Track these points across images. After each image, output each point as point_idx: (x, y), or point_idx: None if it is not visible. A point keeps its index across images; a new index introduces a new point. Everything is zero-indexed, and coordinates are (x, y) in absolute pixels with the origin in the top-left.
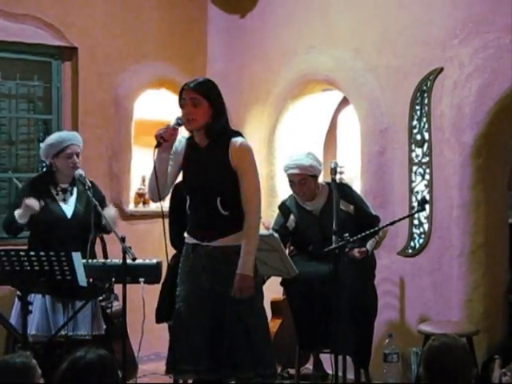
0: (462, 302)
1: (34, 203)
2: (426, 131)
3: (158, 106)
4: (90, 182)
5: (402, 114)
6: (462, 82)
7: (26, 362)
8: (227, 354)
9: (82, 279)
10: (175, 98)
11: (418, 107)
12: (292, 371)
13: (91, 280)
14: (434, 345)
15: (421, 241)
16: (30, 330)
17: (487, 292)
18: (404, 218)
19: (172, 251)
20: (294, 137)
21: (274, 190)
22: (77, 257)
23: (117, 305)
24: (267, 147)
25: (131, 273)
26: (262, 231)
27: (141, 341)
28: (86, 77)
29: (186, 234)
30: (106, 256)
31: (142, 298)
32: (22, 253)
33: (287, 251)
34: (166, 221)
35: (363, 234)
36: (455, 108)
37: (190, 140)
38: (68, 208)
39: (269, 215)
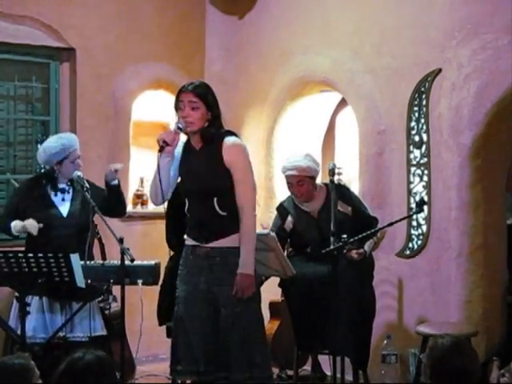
0: (461, 303)
1: (33, 228)
2: (425, 132)
3: (156, 107)
4: (89, 182)
5: (400, 115)
6: (460, 83)
7: (24, 363)
8: (222, 356)
9: (81, 280)
10: (173, 99)
11: (416, 108)
12: (290, 372)
13: (89, 281)
14: (442, 344)
15: (419, 242)
16: (28, 331)
17: (486, 293)
18: (402, 219)
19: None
20: (292, 138)
21: (272, 191)
22: (75, 258)
23: (115, 306)
24: (265, 148)
25: (129, 274)
26: (259, 230)
27: (139, 342)
28: (84, 78)
29: (185, 236)
30: (104, 257)
31: (141, 300)
32: (20, 254)
33: (285, 253)
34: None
35: (361, 236)
36: (453, 109)
37: (186, 143)
38: (64, 207)
39: (267, 216)
